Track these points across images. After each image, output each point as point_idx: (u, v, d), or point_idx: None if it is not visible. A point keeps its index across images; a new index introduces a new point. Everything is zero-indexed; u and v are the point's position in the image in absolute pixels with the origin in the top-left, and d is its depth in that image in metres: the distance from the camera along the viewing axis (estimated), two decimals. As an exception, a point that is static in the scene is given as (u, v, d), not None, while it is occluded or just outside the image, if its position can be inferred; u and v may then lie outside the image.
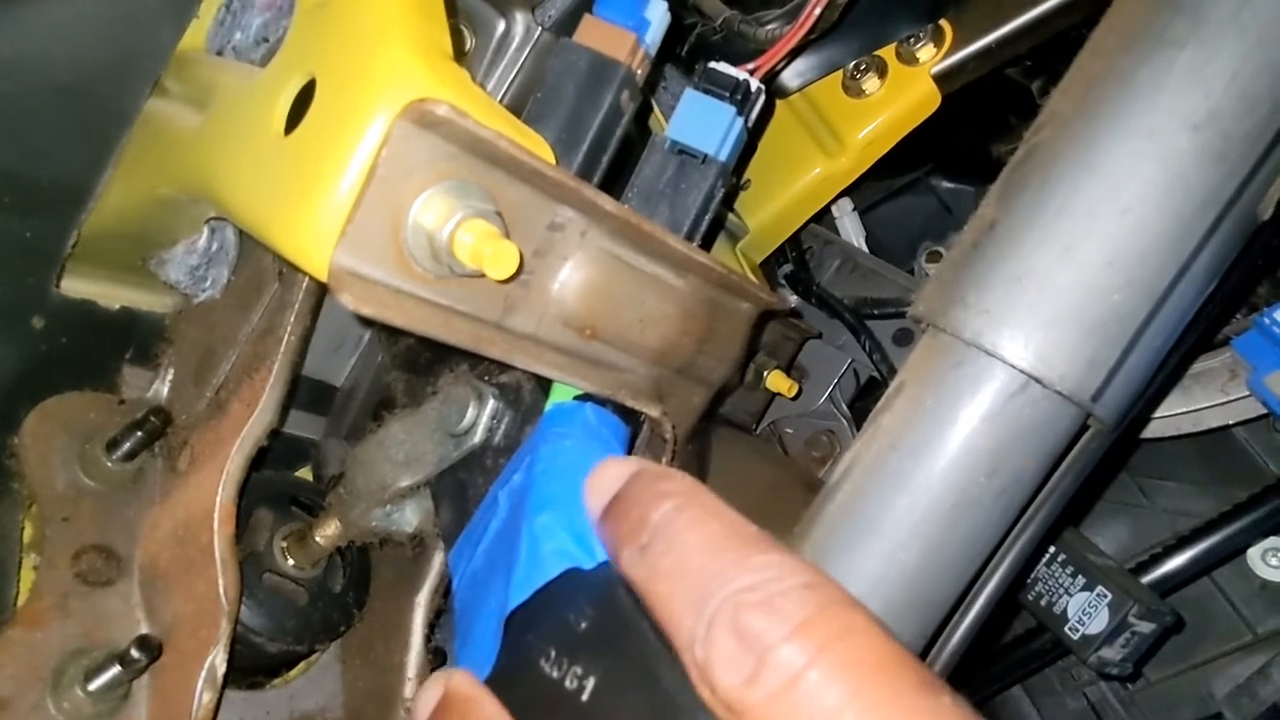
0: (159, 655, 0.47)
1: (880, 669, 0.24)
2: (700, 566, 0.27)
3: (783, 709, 0.23)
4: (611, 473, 0.32)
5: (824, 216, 0.93)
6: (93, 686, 0.46)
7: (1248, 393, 0.70)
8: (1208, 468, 0.86)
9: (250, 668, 0.56)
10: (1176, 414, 0.76)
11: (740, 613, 0.25)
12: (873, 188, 1.04)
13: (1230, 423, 0.75)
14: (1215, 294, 0.45)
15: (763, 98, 0.52)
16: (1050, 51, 0.74)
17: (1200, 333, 0.48)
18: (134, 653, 0.46)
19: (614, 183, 0.51)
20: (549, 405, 0.45)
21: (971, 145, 1.08)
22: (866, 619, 0.25)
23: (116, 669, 0.46)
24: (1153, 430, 0.76)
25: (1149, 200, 0.40)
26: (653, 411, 0.46)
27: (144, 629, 0.51)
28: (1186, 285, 0.42)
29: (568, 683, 0.33)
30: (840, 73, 0.77)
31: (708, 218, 0.51)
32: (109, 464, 0.54)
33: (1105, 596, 0.62)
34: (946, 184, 1.15)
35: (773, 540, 0.28)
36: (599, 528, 0.33)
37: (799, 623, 0.24)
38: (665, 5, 0.48)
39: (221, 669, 0.47)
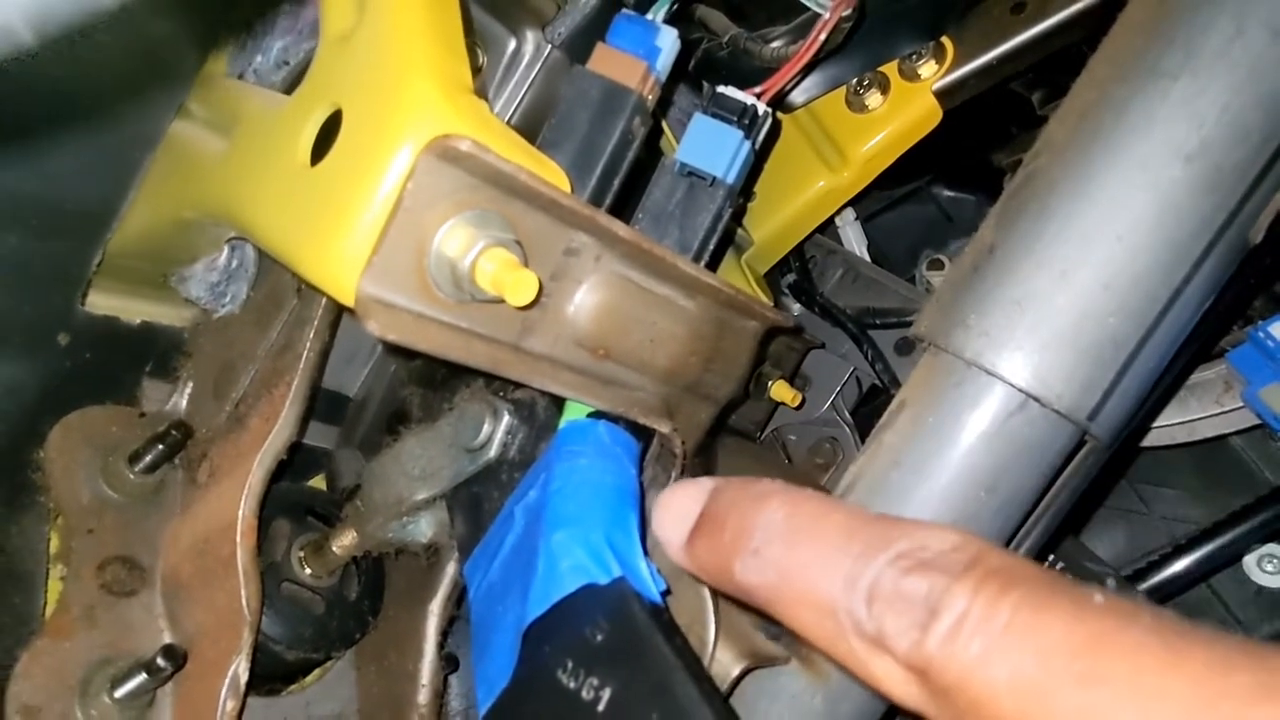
0: (184, 664, 0.49)
1: (1038, 586, 0.24)
2: (840, 552, 0.27)
3: (960, 646, 0.24)
4: (686, 496, 0.32)
5: (827, 226, 0.95)
6: (119, 694, 0.47)
7: (1243, 404, 0.71)
8: (1205, 476, 0.88)
9: (268, 675, 0.57)
10: (1173, 424, 0.77)
11: (900, 580, 0.26)
12: (875, 197, 1.05)
13: (1226, 432, 0.77)
14: (1209, 314, 0.46)
15: (770, 121, 0.53)
16: (1052, 64, 0.76)
17: (1195, 350, 0.49)
18: (160, 661, 0.47)
19: (625, 203, 0.53)
20: (563, 422, 0.46)
21: (973, 155, 1.09)
22: (1014, 558, 0.25)
23: (143, 677, 0.47)
24: (1150, 439, 0.78)
25: (1143, 227, 0.41)
26: (663, 428, 0.47)
27: (167, 638, 0.52)
28: (1180, 308, 0.43)
29: (584, 693, 0.34)
30: (844, 88, 0.78)
31: (716, 238, 0.52)
32: (131, 476, 0.55)
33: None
34: (948, 193, 1.16)
35: (899, 518, 0.29)
36: (686, 552, 0.32)
37: (958, 573, 0.25)
38: (675, 33, 0.50)
39: (244, 677, 0.48)
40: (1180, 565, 0.76)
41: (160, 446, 0.55)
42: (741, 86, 0.55)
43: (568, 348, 0.44)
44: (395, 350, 0.62)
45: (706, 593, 0.45)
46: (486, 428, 0.48)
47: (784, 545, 0.28)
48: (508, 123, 0.54)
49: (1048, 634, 0.23)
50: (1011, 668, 0.23)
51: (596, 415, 0.46)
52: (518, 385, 0.49)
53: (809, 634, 0.28)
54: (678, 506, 0.32)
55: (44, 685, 0.47)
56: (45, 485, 0.53)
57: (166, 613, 0.53)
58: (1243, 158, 0.40)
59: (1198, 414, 0.75)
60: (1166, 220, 0.41)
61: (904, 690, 0.26)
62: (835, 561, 0.27)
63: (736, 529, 0.30)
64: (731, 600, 0.47)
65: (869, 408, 0.94)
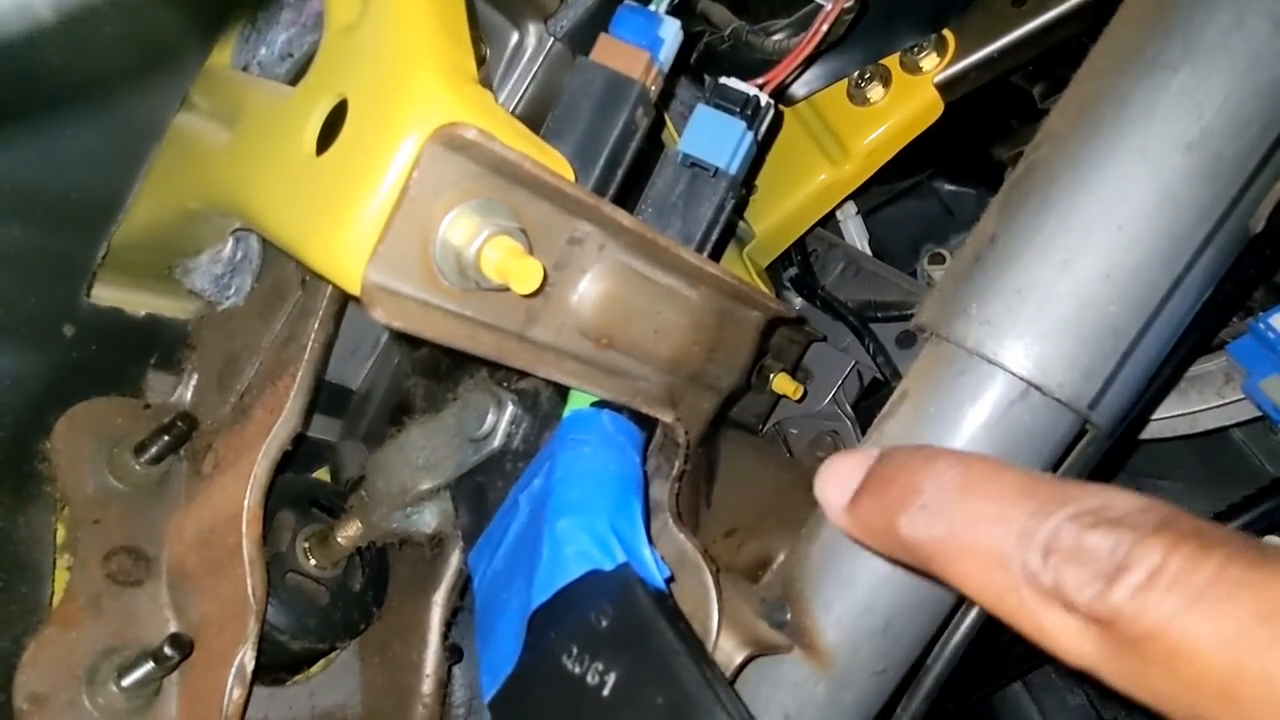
0: (190, 653, 0.49)
1: (1242, 549, 0.23)
2: (1015, 506, 0.27)
3: (1155, 598, 0.23)
4: (852, 460, 0.32)
5: (829, 220, 0.95)
6: (126, 683, 0.48)
7: (1243, 396, 0.71)
8: (1205, 468, 0.88)
9: (273, 665, 0.57)
10: (1174, 416, 0.77)
11: (1083, 535, 0.25)
12: (876, 191, 1.05)
13: (1226, 424, 0.77)
14: (1209, 303, 0.46)
15: (772, 112, 0.53)
16: (1053, 57, 0.76)
17: (1195, 339, 0.49)
18: (167, 650, 0.47)
19: (628, 194, 0.53)
20: (567, 412, 0.46)
21: (974, 148, 1.10)
22: (1209, 523, 0.25)
23: (150, 666, 0.48)
24: (1151, 432, 0.78)
25: (1143, 217, 0.41)
26: (666, 417, 0.47)
27: (173, 627, 0.52)
28: (1180, 296, 0.43)
29: (589, 678, 0.34)
30: (845, 81, 0.79)
31: (718, 229, 0.53)
32: (137, 467, 0.56)
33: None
34: (948, 187, 1.17)
35: (1078, 481, 0.28)
36: (849, 513, 0.31)
37: (1149, 531, 0.24)
38: (678, 24, 0.50)
39: (250, 666, 0.48)
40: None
41: (165, 438, 0.55)
42: (743, 79, 0.55)
43: (572, 337, 0.44)
44: (400, 340, 0.63)
45: (710, 580, 0.45)
46: (490, 417, 0.49)
47: (955, 499, 0.28)
48: (513, 110, 0.55)
49: (1264, 593, 0.22)
50: (1219, 623, 0.22)
51: (600, 404, 0.46)
52: (521, 375, 0.50)
53: (973, 586, 0.27)
54: (843, 471, 0.32)
55: (51, 674, 0.47)
56: (51, 476, 0.53)
57: (172, 602, 0.54)
58: (1243, 147, 0.40)
59: (1198, 406, 0.75)
60: (1167, 210, 0.41)
61: (1077, 644, 0.25)
62: (1010, 515, 0.26)
63: (905, 485, 0.29)
64: (736, 588, 0.48)
65: (870, 401, 0.94)
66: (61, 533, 0.53)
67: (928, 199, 1.15)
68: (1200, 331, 0.48)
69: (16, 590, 0.50)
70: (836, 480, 0.32)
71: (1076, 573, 0.25)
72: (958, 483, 0.28)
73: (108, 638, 0.50)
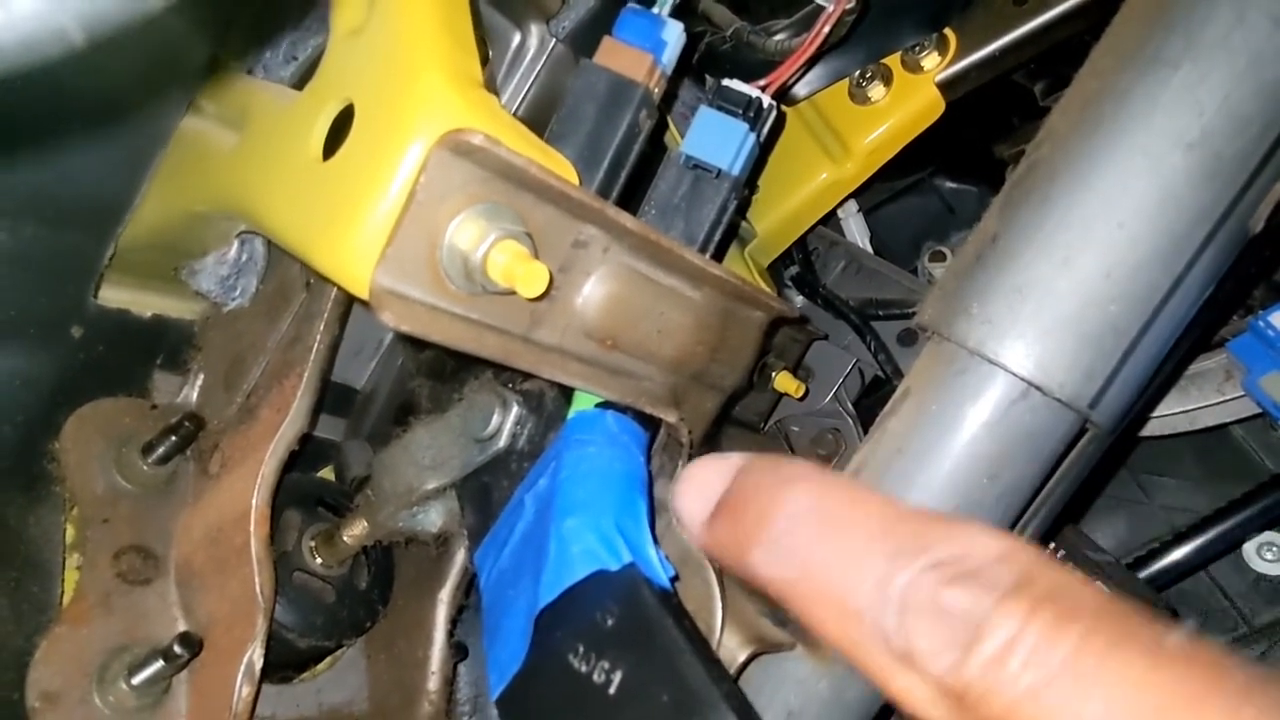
0: (200, 651, 0.49)
1: (1105, 619, 0.21)
2: (871, 550, 0.24)
3: (1009, 674, 0.21)
4: (711, 471, 0.29)
5: (830, 217, 0.95)
6: (136, 681, 0.48)
7: (1243, 393, 0.72)
8: (1205, 464, 0.88)
9: (280, 662, 0.58)
10: (1174, 413, 0.78)
11: (938, 591, 0.23)
12: (877, 189, 1.06)
13: (1226, 421, 0.77)
14: (1209, 302, 0.47)
15: (774, 113, 0.54)
16: (1054, 55, 0.76)
17: (1196, 338, 0.49)
18: (177, 648, 0.48)
19: (632, 196, 0.53)
20: (571, 412, 0.47)
21: (974, 146, 1.10)
22: (1071, 577, 0.23)
23: (160, 664, 0.48)
24: (1151, 429, 0.78)
25: (1144, 216, 0.42)
26: (670, 417, 0.48)
27: (182, 626, 0.53)
28: (1181, 296, 0.44)
29: (596, 676, 0.35)
30: (847, 81, 0.79)
31: (721, 230, 0.53)
32: (144, 467, 0.56)
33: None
34: (949, 184, 1.17)
35: (943, 514, 0.26)
36: (706, 532, 0.29)
37: (1005, 590, 0.22)
38: (681, 27, 0.50)
39: (259, 664, 0.49)
40: (1180, 553, 0.77)
41: (173, 438, 0.56)
42: (745, 80, 0.55)
43: (576, 338, 0.44)
44: (405, 341, 0.63)
45: (713, 579, 0.46)
46: (496, 418, 0.49)
47: (809, 536, 0.26)
48: (515, 112, 0.55)
49: (1122, 679, 0.20)
50: (1076, 709, 0.20)
51: (604, 405, 0.46)
52: (526, 376, 0.50)
53: (829, 636, 0.25)
54: (701, 482, 0.29)
55: (62, 671, 0.48)
56: (60, 476, 0.54)
57: (181, 601, 0.54)
58: (1243, 146, 0.41)
59: (1198, 403, 0.75)
60: (1167, 209, 0.41)
61: (931, 713, 0.23)
62: (865, 560, 0.24)
63: (759, 513, 0.27)
64: (739, 586, 0.48)
65: (872, 399, 0.95)
66: (71, 532, 0.54)
67: (929, 196, 1.15)
68: (1200, 330, 0.49)
69: (27, 589, 0.50)
70: (694, 492, 0.29)
71: (930, 638, 0.23)
72: (813, 516, 0.26)
73: (118, 636, 0.51)
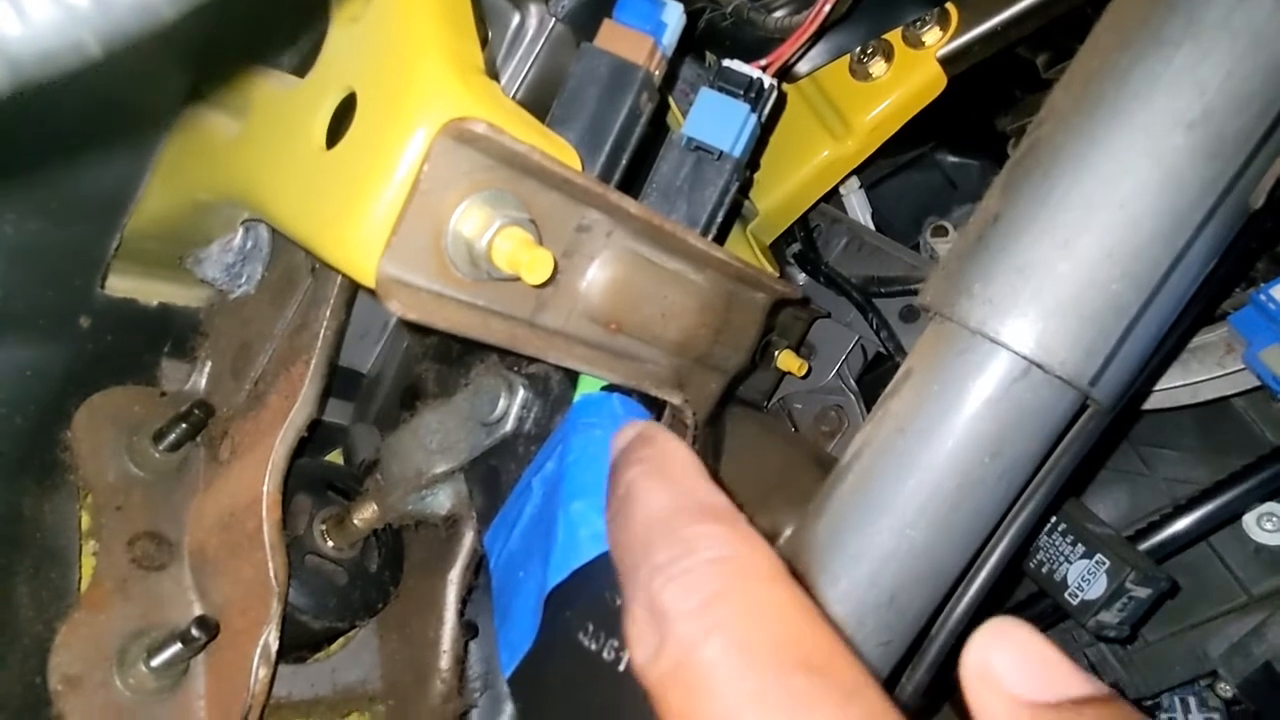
0: (216, 634, 0.50)
1: (774, 648, 0.23)
2: (639, 537, 0.27)
3: (677, 686, 0.23)
4: (624, 435, 0.33)
5: (832, 194, 0.95)
6: (155, 663, 0.49)
7: (1244, 366, 0.72)
8: (1207, 436, 0.89)
9: (295, 644, 0.59)
10: (1176, 386, 0.78)
11: (655, 586, 0.25)
12: (879, 164, 1.05)
13: (1228, 394, 0.77)
14: (1210, 277, 0.47)
15: (775, 93, 0.54)
16: (1056, 27, 0.75)
17: (1196, 313, 0.50)
18: (194, 631, 0.49)
19: (634, 178, 0.53)
20: (577, 396, 0.47)
21: (976, 120, 1.09)
22: (777, 595, 0.24)
23: (178, 647, 0.49)
24: (1152, 402, 0.79)
25: (1145, 194, 0.42)
26: (674, 399, 0.48)
27: (198, 610, 0.54)
28: (1181, 273, 0.44)
29: (605, 654, 0.36)
30: (848, 57, 0.78)
31: (723, 211, 0.53)
32: (155, 454, 0.57)
33: (1104, 564, 0.65)
34: (951, 159, 1.16)
35: (719, 510, 0.28)
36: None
37: (704, 597, 0.24)
38: (681, 8, 0.50)
39: (274, 646, 0.50)
40: (1181, 525, 0.77)
41: (183, 425, 0.56)
42: (745, 57, 0.55)
43: (581, 322, 0.45)
44: (411, 327, 0.63)
45: (719, 558, 0.46)
46: (502, 402, 0.50)
47: (624, 513, 0.29)
48: (514, 97, 0.55)
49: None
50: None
51: (610, 388, 0.47)
52: (532, 360, 0.50)
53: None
54: (617, 443, 0.33)
55: (83, 655, 0.49)
56: (73, 464, 0.55)
57: (196, 585, 0.55)
58: (1244, 125, 0.41)
59: (1199, 376, 0.76)
60: (1168, 187, 0.41)
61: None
62: (635, 547, 0.28)
63: (616, 482, 0.31)
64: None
65: (874, 375, 0.95)
66: (86, 520, 0.54)
67: (930, 171, 1.15)
68: (1201, 305, 0.49)
69: (45, 576, 0.51)
70: (615, 448, 0.33)
71: (637, 633, 0.25)
72: (631, 495, 0.29)
73: (136, 620, 0.52)
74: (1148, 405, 0.79)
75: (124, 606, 0.52)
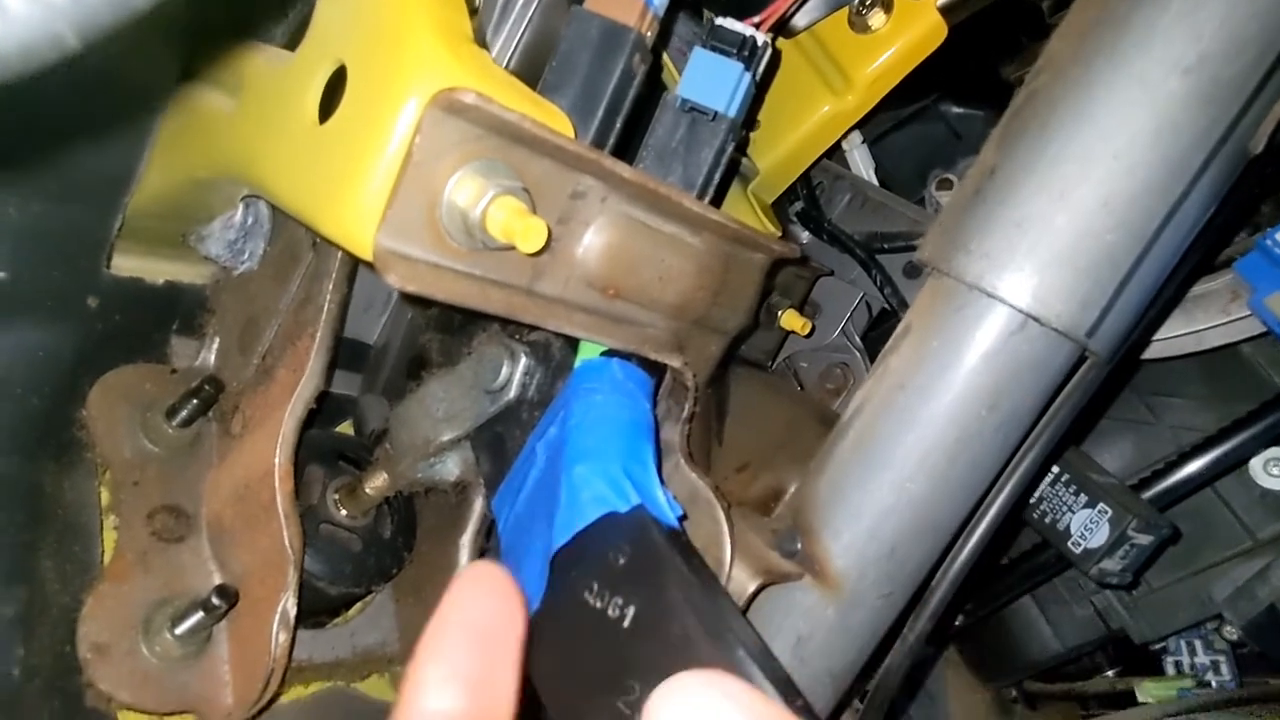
0: (237, 601, 0.52)
1: None
2: None
3: None
4: None
5: (834, 150, 0.94)
6: (179, 631, 0.51)
7: (1249, 312, 0.72)
8: (1213, 383, 0.89)
9: (313, 609, 0.61)
10: (1180, 335, 0.78)
11: None
12: (881, 118, 1.04)
13: (1234, 340, 0.77)
14: (1211, 224, 0.47)
15: (769, 51, 0.53)
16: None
17: (1196, 261, 0.49)
18: (214, 600, 0.50)
19: (629, 141, 0.53)
20: (578, 361, 0.48)
21: (981, 69, 1.07)
22: None
23: (200, 615, 0.51)
24: (1158, 351, 0.78)
25: (1141, 144, 0.41)
26: (674, 362, 0.49)
27: (217, 579, 0.55)
28: (1179, 221, 0.44)
29: (610, 612, 0.37)
30: (846, 9, 0.77)
31: (720, 172, 0.53)
32: (169, 430, 0.58)
33: (1106, 513, 0.66)
34: (955, 109, 1.14)
35: None
36: None
37: None
38: (671, -34, 0.49)
39: (293, 612, 0.51)
40: (1186, 471, 0.78)
41: (194, 401, 0.58)
42: (739, 13, 0.54)
43: (579, 289, 0.45)
44: (413, 299, 0.64)
45: (721, 516, 0.47)
46: (505, 370, 0.50)
47: None
48: (507, 65, 0.54)
49: None
50: None
51: (610, 353, 0.47)
52: (533, 328, 0.51)
53: None
54: None
55: (110, 625, 0.50)
56: (90, 442, 0.56)
57: (214, 556, 0.57)
58: (1241, 69, 0.40)
59: (1204, 324, 0.75)
60: (1164, 135, 0.41)
61: None
62: None
63: None
64: (748, 522, 0.50)
65: (879, 332, 0.95)
66: (105, 495, 0.56)
67: (934, 123, 1.13)
68: (1201, 252, 0.49)
69: (70, 550, 0.53)
70: None
71: None
72: None
73: (158, 590, 0.53)
74: (1153, 354, 0.79)
75: (146, 577, 0.53)
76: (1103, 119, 0.42)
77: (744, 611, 0.48)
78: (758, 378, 0.83)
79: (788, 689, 0.32)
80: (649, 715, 0.22)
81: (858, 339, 0.94)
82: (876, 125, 1.04)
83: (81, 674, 0.49)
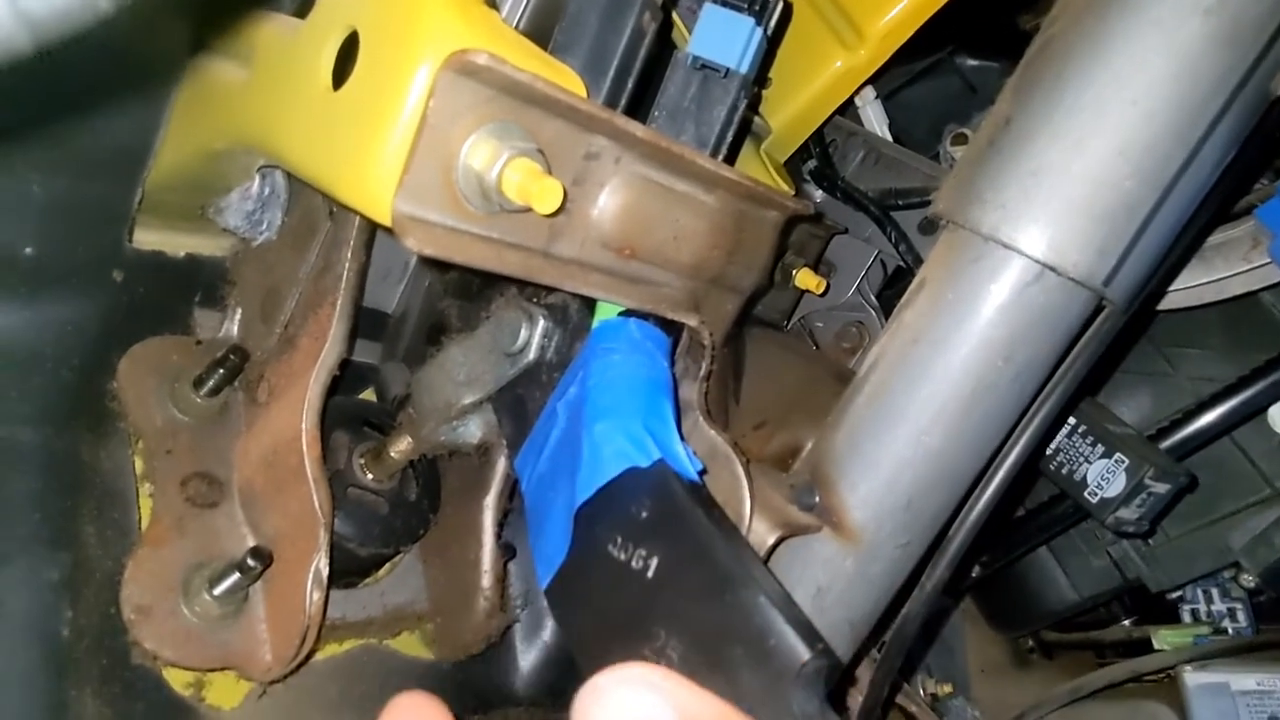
0: (271, 563, 0.54)
1: None
2: None
3: None
4: None
5: (847, 107, 0.93)
6: (217, 592, 0.53)
7: (1270, 260, 0.71)
8: (1233, 333, 0.88)
9: (344, 570, 0.62)
10: (1199, 284, 0.77)
11: None
12: (894, 72, 1.02)
13: (1255, 289, 0.77)
14: (1229, 170, 0.46)
15: (781, 5, 0.53)
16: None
17: (1215, 207, 0.49)
18: (249, 561, 0.52)
19: (640, 100, 0.53)
20: (595, 322, 0.48)
21: (997, 19, 1.05)
22: None
23: (236, 576, 0.52)
24: (1177, 301, 0.78)
25: (1158, 89, 0.41)
26: (691, 321, 0.49)
27: (251, 542, 0.57)
28: (1197, 167, 0.43)
29: (634, 563, 0.38)
30: (856, -40, 0.76)
31: (732, 130, 0.53)
32: (197, 400, 0.59)
33: (1123, 462, 0.66)
34: (971, 62, 1.13)
35: None
36: None
37: None
38: (678, -80, 0.49)
39: (325, 571, 0.53)
40: (1204, 420, 0.78)
41: (220, 370, 0.59)
42: (750, -31, 0.54)
43: (595, 250, 0.45)
44: (430, 263, 0.65)
45: (740, 471, 0.48)
46: (524, 333, 0.51)
47: None
48: (517, 26, 0.54)
49: None
50: None
51: (627, 313, 0.48)
52: (550, 290, 0.51)
53: None
54: None
55: (151, 587, 0.52)
56: (122, 413, 0.57)
57: (247, 520, 0.58)
58: (1263, 9, 0.40)
59: (1224, 272, 0.75)
60: (1182, 80, 0.41)
61: None
62: None
63: None
64: (766, 477, 0.51)
65: (894, 290, 0.95)
66: (139, 464, 0.57)
67: (949, 77, 1.12)
68: (1220, 199, 0.48)
69: (109, 516, 0.54)
70: None
71: None
72: None
73: (195, 553, 0.55)
74: (1172, 305, 0.78)
75: (183, 542, 0.55)
76: (1119, 64, 0.41)
77: (764, 563, 0.49)
78: (773, 337, 0.83)
79: (809, 633, 0.33)
80: (577, 716, 0.22)
81: (873, 297, 0.94)
82: (890, 80, 1.03)
83: (127, 634, 0.50)
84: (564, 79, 0.41)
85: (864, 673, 0.60)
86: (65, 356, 0.56)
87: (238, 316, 0.64)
